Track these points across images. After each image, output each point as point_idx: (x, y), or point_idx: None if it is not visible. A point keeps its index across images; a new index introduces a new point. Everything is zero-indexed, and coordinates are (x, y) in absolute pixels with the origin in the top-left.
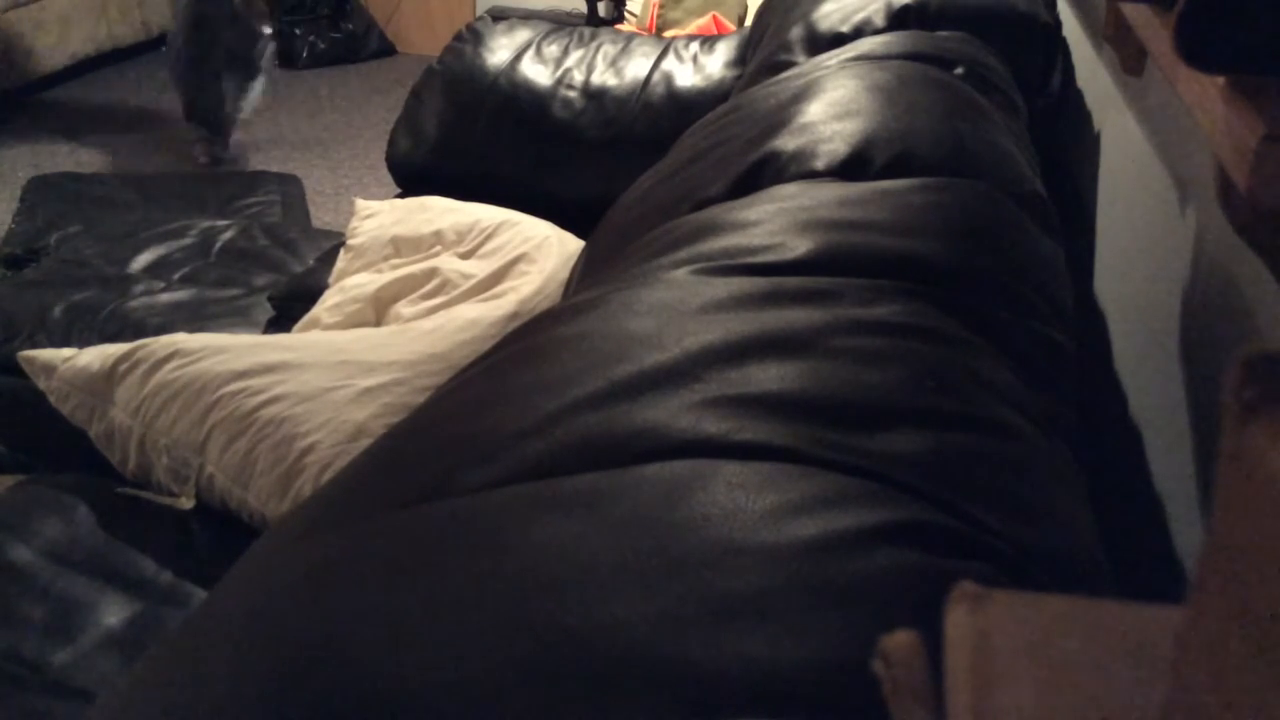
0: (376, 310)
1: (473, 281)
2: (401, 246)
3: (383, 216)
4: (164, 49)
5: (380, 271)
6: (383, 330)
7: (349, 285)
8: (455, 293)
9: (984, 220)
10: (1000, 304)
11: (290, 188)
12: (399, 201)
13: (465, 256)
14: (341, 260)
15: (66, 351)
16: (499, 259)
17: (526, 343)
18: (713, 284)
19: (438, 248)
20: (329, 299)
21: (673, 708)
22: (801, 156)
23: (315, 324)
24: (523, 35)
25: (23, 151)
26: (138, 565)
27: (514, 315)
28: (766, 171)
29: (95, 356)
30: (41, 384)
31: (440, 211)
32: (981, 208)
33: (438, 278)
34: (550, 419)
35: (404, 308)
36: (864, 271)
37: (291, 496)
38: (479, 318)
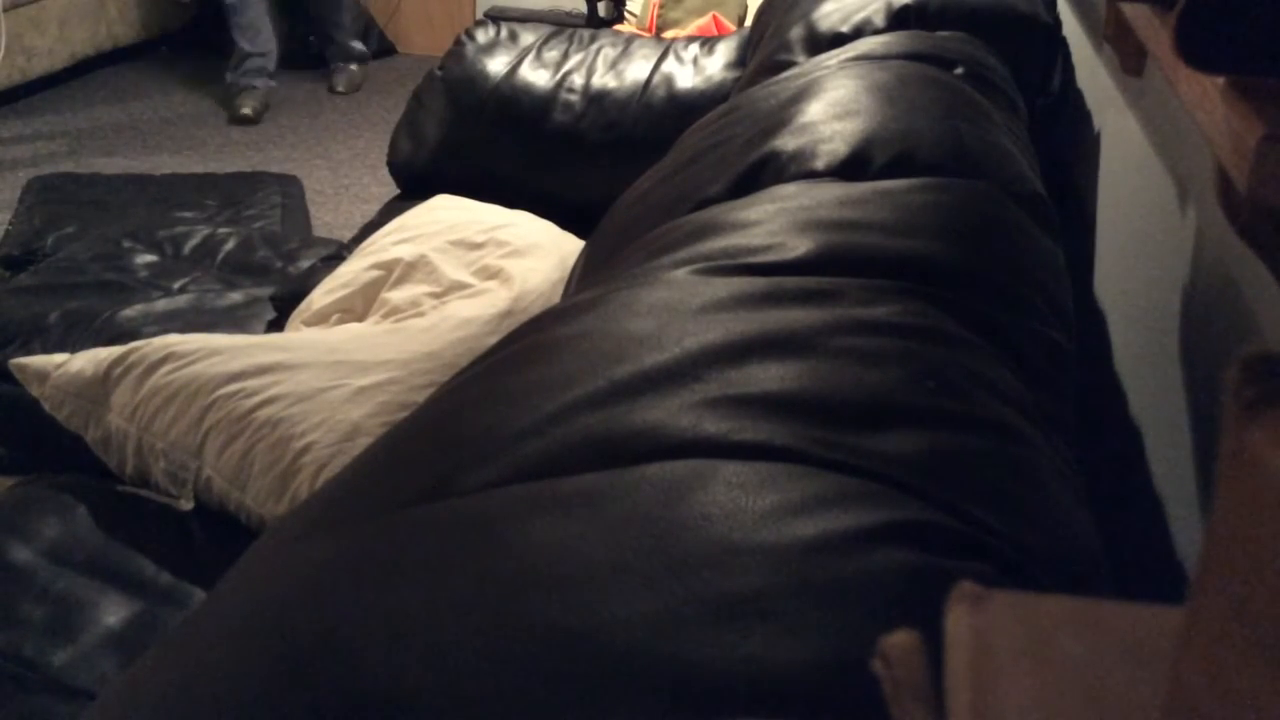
0: (364, 297)
1: (466, 275)
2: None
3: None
4: (164, 49)
5: (371, 255)
6: (377, 329)
7: (342, 271)
8: (446, 283)
9: (984, 220)
10: (1000, 304)
11: (290, 188)
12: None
13: (459, 246)
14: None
15: (59, 357)
16: (496, 255)
17: (526, 342)
18: (713, 284)
19: (437, 239)
20: (323, 285)
21: (673, 708)
22: (801, 156)
23: (309, 309)
24: (523, 39)
25: (22, 151)
26: (138, 565)
27: (509, 314)
28: (766, 171)
29: (88, 361)
30: (35, 391)
31: (444, 209)
32: (981, 208)
33: (426, 266)
34: (550, 419)
35: (390, 293)
36: (864, 271)
37: (289, 497)
38: (474, 316)
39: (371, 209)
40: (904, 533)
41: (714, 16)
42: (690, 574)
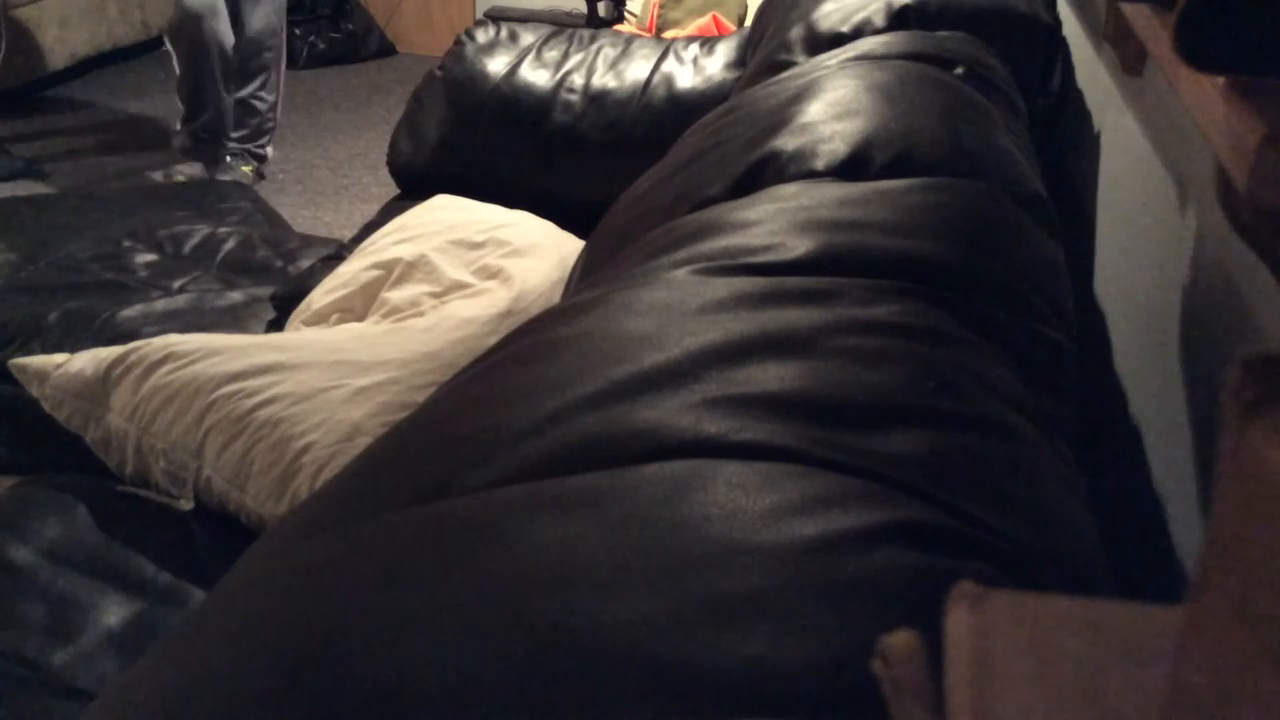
0: (364, 296)
1: (466, 275)
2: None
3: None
4: (164, 49)
5: (371, 255)
6: (377, 329)
7: (342, 271)
8: (446, 283)
9: (984, 220)
10: (1000, 304)
11: (249, 194)
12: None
13: (459, 245)
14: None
15: (58, 357)
16: (496, 255)
17: (526, 342)
18: (713, 284)
19: (437, 239)
20: (323, 285)
21: (673, 708)
22: (801, 156)
23: (309, 309)
24: (523, 39)
25: (22, 151)
26: (138, 565)
27: (508, 314)
28: (766, 171)
29: (88, 361)
30: (34, 391)
31: (444, 209)
32: (981, 208)
33: (426, 266)
34: (550, 419)
35: (390, 293)
36: (864, 271)
37: (289, 497)
38: (474, 316)
39: (371, 209)
40: (904, 533)
41: (714, 16)
42: (690, 574)
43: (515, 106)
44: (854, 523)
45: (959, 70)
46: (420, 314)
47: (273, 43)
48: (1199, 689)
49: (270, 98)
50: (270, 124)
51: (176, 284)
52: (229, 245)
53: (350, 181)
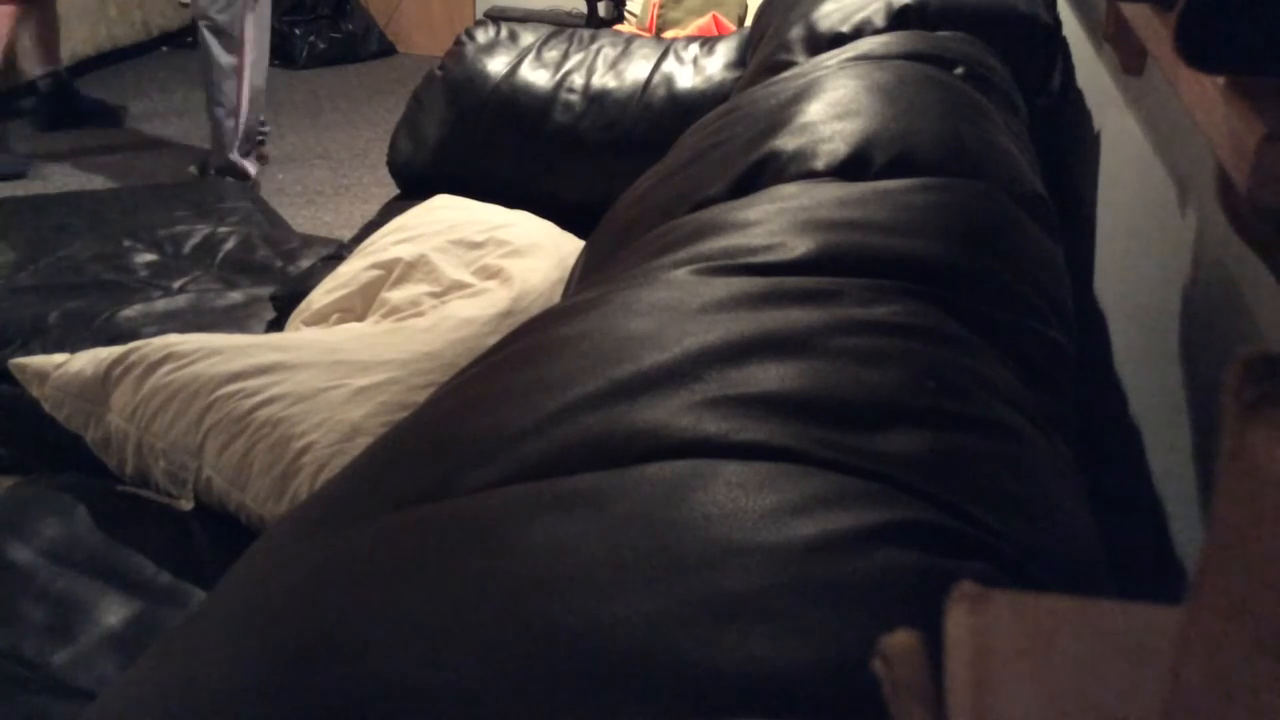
0: (364, 296)
1: (466, 275)
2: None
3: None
4: (164, 49)
5: (370, 255)
6: (377, 329)
7: (342, 271)
8: (446, 283)
9: (984, 220)
10: (1000, 304)
11: (251, 193)
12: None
13: (459, 245)
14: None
15: (58, 358)
16: (496, 255)
17: (526, 342)
18: (713, 284)
19: (437, 239)
20: (323, 285)
21: (673, 708)
22: (801, 156)
23: (309, 309)
24: (523, 39)
25: (21, 150)
26: (138, 565)
27: (509, 314)
28: (766, 171)
29: (88, 361)
30: (34, 391)
31: (444, 208)
32: (981, 208)
33: (426, 266)
34: (550, 419)
35: (390, 293)
36: (864, 271)
37: (289, 497)
38: (474, 316)
39: (371, 209)
40: (904, 533)
41: (714, 16)
42: (690, 574)
43: (515, 106)
44: (854, 523)
45: (959, 70)
46: (420, 314)
47: (229, 31)
48: (1199, 689)
49: (225, 93)
50: (229, 129)
51: (176, 284)
52: (229, 245)
53: (350, 181)
